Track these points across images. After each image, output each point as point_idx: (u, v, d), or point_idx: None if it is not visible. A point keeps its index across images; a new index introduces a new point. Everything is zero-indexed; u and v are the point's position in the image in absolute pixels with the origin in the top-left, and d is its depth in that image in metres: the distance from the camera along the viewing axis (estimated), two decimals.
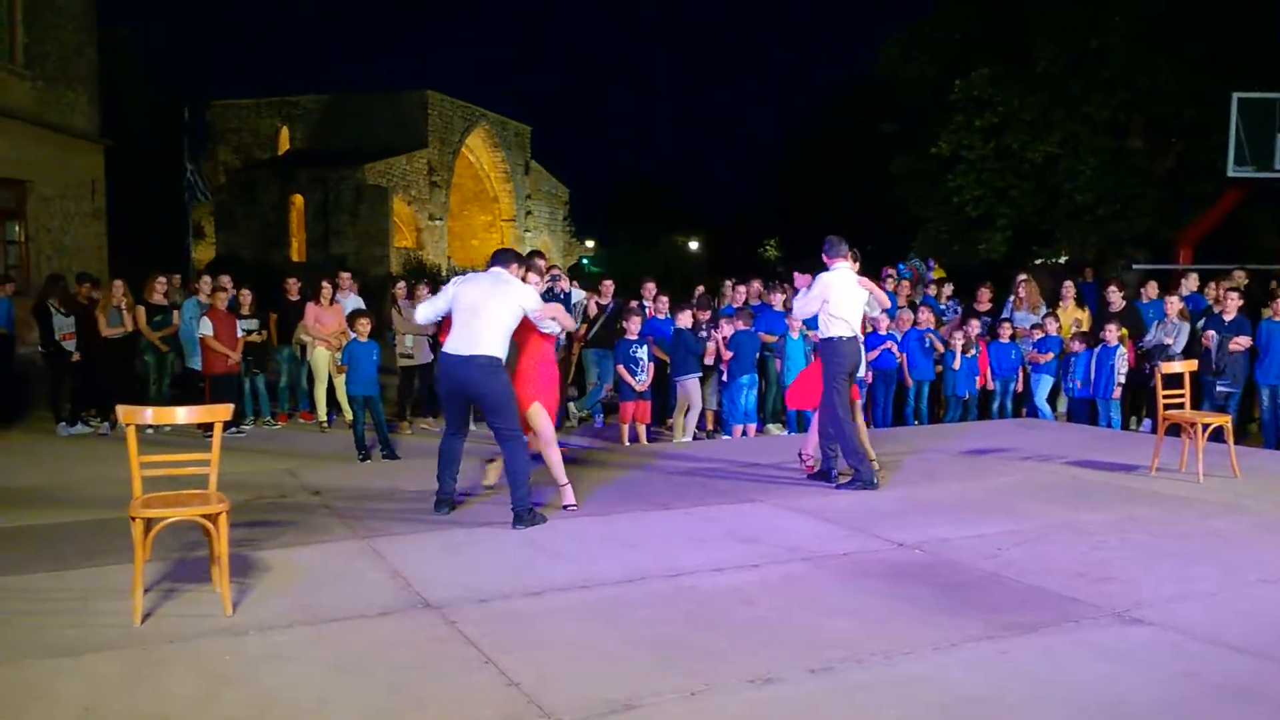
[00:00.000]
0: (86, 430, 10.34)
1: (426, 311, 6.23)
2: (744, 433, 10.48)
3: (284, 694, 3.43)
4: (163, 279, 11.05)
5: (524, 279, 6.30)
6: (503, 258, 6.27)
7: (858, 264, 7.34)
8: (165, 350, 10.83)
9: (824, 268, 7.25)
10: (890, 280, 12.93)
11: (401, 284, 12.00)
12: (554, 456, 6.37)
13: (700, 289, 12.11)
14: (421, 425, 10.96)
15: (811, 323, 9.97)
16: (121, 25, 25.13)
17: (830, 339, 7.11)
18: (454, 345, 5.96)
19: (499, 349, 5.91)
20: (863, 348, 7.64)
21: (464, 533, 5.66)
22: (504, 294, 6.01)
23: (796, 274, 7.72)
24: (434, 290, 11.62)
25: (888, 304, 7.86)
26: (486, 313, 5.91)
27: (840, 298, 7.06)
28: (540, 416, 6.34)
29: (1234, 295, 10.04)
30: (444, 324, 6.38)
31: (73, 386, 10.50)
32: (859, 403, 7.53)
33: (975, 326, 11.31)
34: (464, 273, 26.70)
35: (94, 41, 19.58)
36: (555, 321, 6.43)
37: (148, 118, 25.20)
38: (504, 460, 6.07)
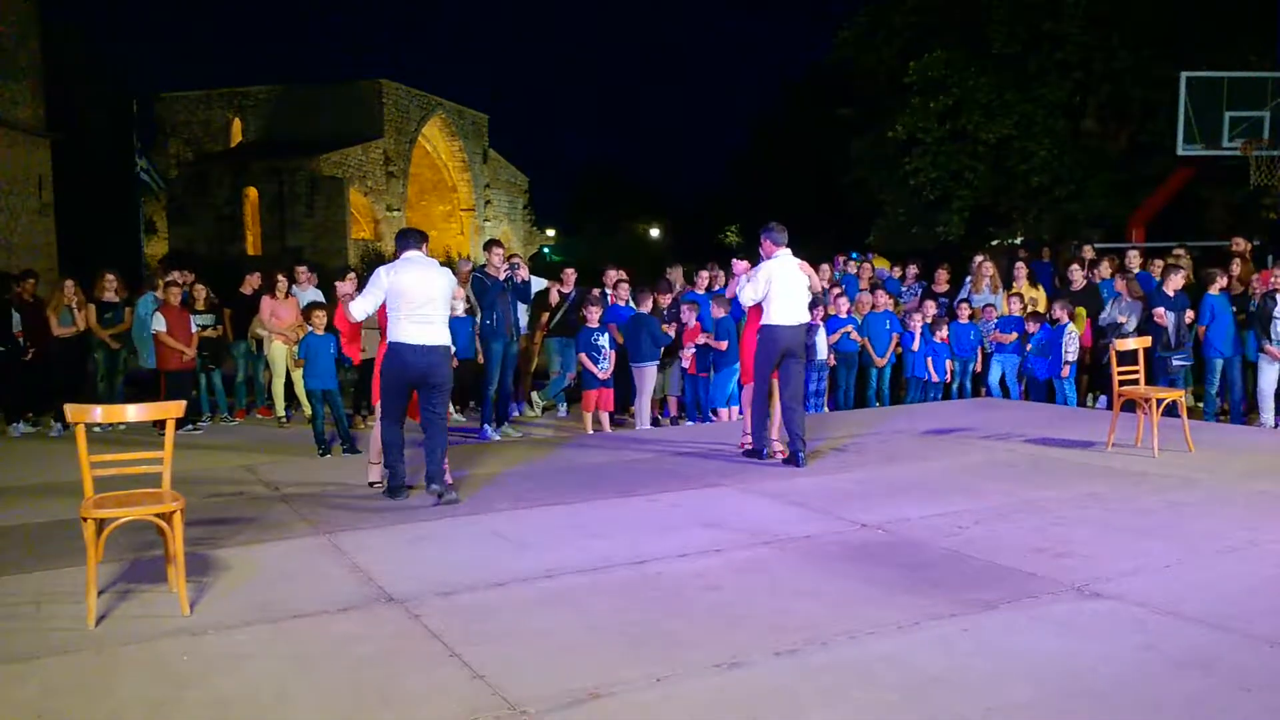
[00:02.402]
0: (32, 430, 10.13)
1: (365, 306, 6.12)
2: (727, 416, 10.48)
3: (244, 694, 3.37)
4: (112, 276, 10.83)
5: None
6: (420, 240, 6.34)
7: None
8: (117, 348, 10.64)
9: (758, 256, 7.48)
10: (852, 264, 13.01)
11: (351, 275, 11.82)
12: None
13: (674, 271, 11.85)
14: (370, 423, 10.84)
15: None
16: (66, 16, 24.63)
17: (771, 325, 7.24)
18: (415, 336, 5.96)
19: (448, 335, 6.14)
20: (817, 330, 7.74)
21: (426, 526, 5.61)
22: (444, 279, 6.14)
23: (735, 260, 7.83)
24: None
25: (819, 288, 8.19)
26: (440, 301, 6.05)
27: (782, 285, 7.22)
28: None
29: (1174, 273, 10.22)
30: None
31: (23, 385, 10.28)
32: (798, 386, 7.51)
33: (931, 308, 11.38)
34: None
35: (37, 33, 19.11)
36: (459, 302, 6.61)
37: (95, 111, 24.66)
38: (434, 439, 6.17)
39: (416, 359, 5.98)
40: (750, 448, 7.63)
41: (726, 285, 10.31)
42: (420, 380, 6.05)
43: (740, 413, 10.38)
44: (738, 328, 10.23)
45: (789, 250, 7.37)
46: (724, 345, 10.14)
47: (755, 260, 7.68)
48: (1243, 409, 10.26)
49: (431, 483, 6.11)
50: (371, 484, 6.63)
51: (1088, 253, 12.19)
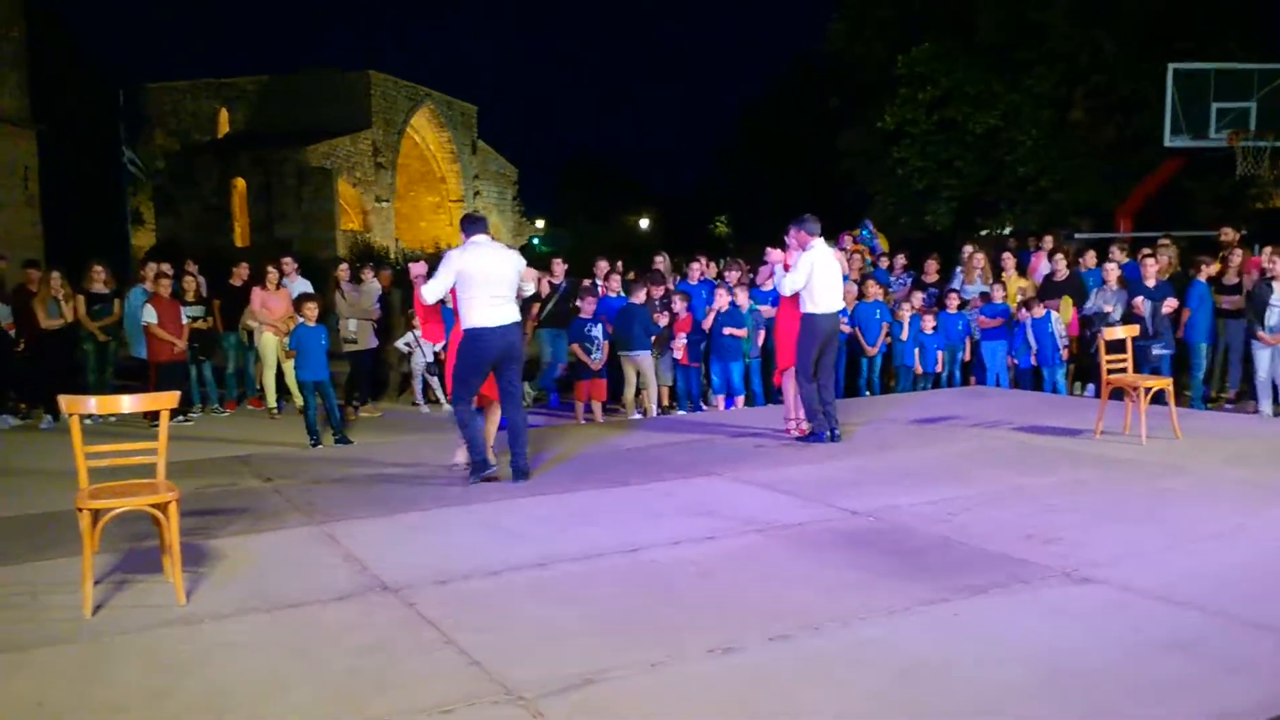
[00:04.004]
0: (21, 423, 10.10)
1: (437, 289, 6.28)
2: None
3: (241, 682, 3.39)
4: (100, 267, 10.79)
5: None
6: (483, 224, 6.51)
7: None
8: (105, 339, 10.61)
9: (783, 243, 7.77)
10: (854, 245, 13.05)
11: (344, 266, 11.82)
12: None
13: (662, 260, 11.89)
14: (364, 413, 10.86)
15: (764, 297, 10.07)
16: (50, 6, 24.39)
17: (813, 314, 7.55)
18: (491, 318, 6.14)
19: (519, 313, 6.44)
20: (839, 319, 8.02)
21: (420, 515, 5.63)
22: (512, 260, 6.34)
23: (769, 250, 8.02)
24: (376, 273, 11.55)
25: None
26: (507, 281, 6.23)
27: (823, 275, 7.53)
28: None
29: (1150, 261, 10.30)
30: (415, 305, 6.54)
31: (15, 377, 10.24)
32: (832, 369, 7.98)
33: (919, 297, 11.43)
34: (414, 255, 26.39)
35: (21, 23, 18.96)
36: (531, 283, 6.70)
37: (82, 102, 24.50)
38: (512, 420, 6.40)
39: (495, 340, 6.17)
40: (808, 433, 7.79)
41: (756, 273, 10.50)
42: (503, 357, 6.24)
43: (730, 403, 10.47)
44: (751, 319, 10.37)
45: (823, 240, 7.66)
46: (744, 333, 10.31)
47: (783, 248, 7.90)
48: (1223, 394, 10.38)
49: (517, 474, 6.37)
50: (452, 466, 6.73)
51: (1047, 243, 12.27)
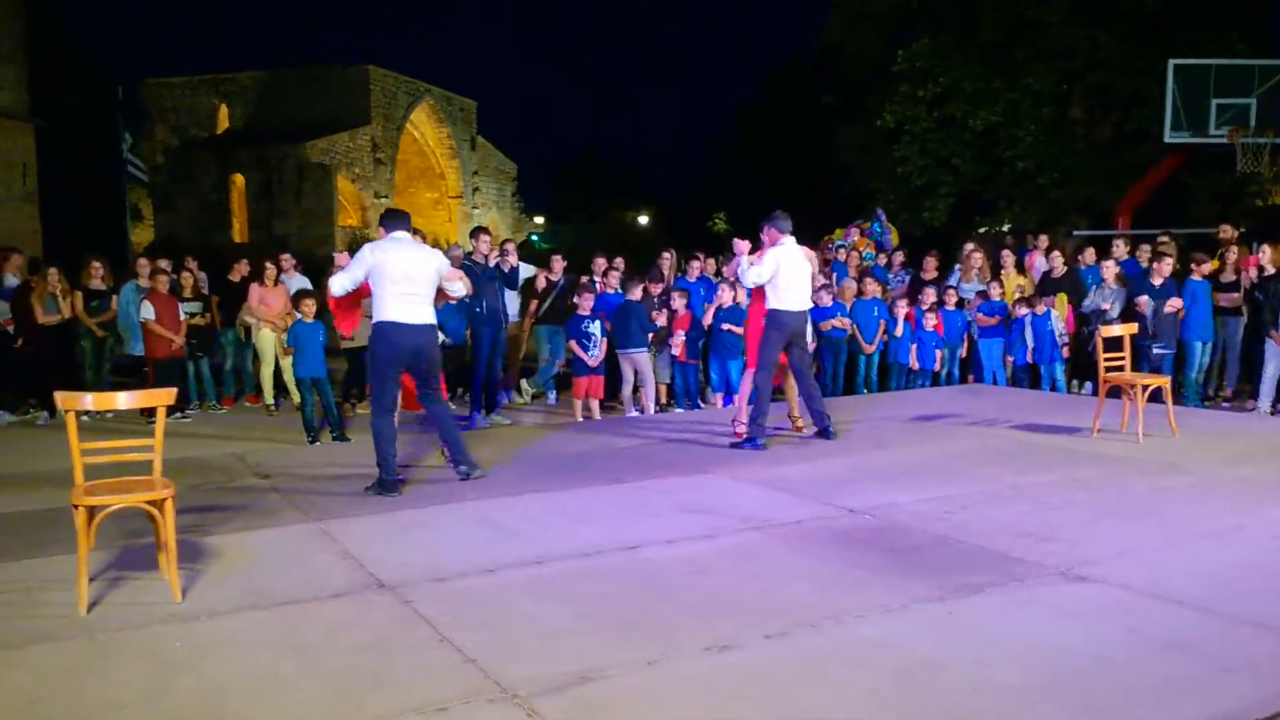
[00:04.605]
0: (18, 419, 10.08)
1: (344, 282, 6.12)
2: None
3: (237, 679, 3.39)
4: (98, 263, 10.78)
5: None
6: (405, 221, 6.37)
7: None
8: (103, 335, 10.59)
9: (758, 238, 7.68)
10: (842, 250, 13.03)
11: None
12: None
13: (667, 256, 11.77)
14: (362, 410, 10.84)
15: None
16: (49, 1, 24.35)
17: (779, 311, 7.42)
18: (402, 314, 5.99)
19: (434, 315, 6.22)
20: (809, 318, 7.89)
21: (416, 513, 5.63)
22: (432, 260, 6.19)
23: (736, 240, 7.93)
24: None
25: (819, 281, 8.80)
26: (423, 280, 6.07)
27: (789, 272, 7.40)
28: None
29: (1160, 261, 10.28)
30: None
31: (13, 373, 10.23)
32: (808, 368, 7.96)
33: (930, 294, 11.40)
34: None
35: (19, 17, 18.93)
36: (460, 284, 6.57)
37: (81, 98, 24.47)
38: (435, 412, 6.37)
39: (404, 337, 6.00)
40: (742, 437, 7.56)
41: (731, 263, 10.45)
42: (411, 360, 6.09)
43: (726, 401, 10.45)
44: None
45: (794, 238, 7.56)
46: (742, 330, 10.28)
47: (756, 242, 7.80)
48: (1221, 392, 10.37)
49: (459, 465, 6.36)
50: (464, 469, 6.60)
51: (1043, 241, 12.24)
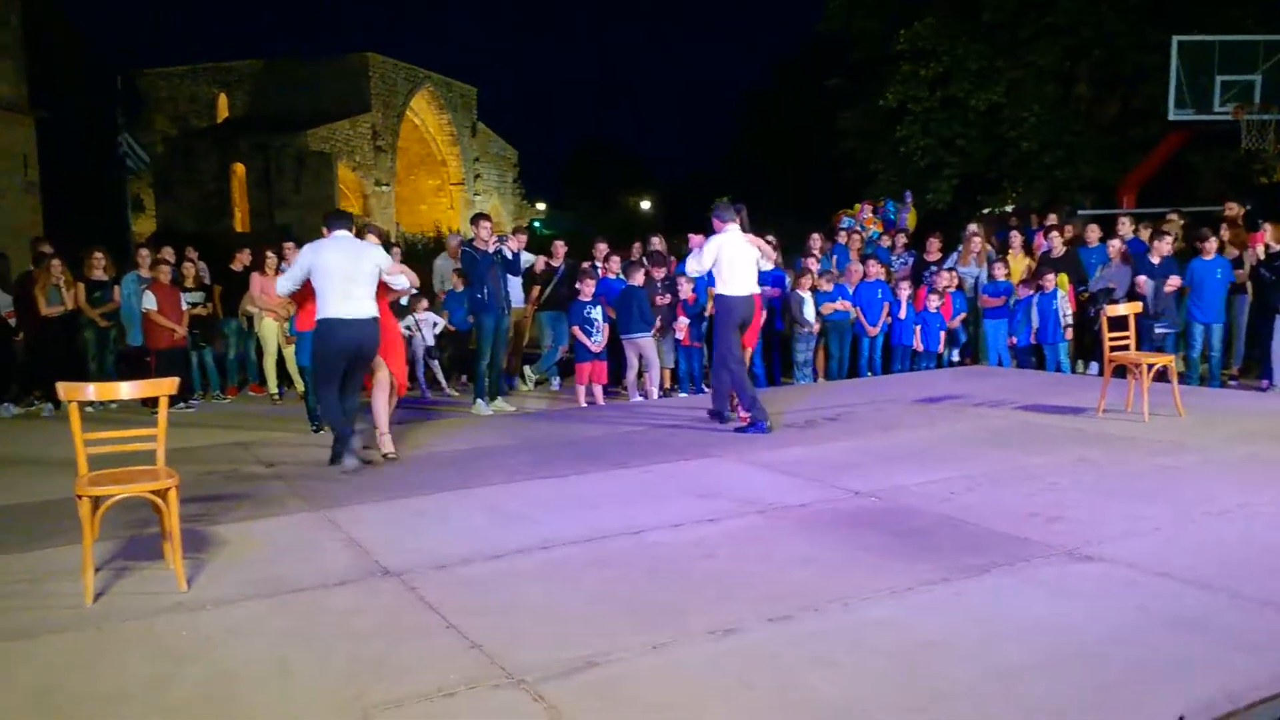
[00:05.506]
0: (22, 411, 10.09)
1: (287, 284, 6.48)
2: None
3: (244, 667, 3.39)
4: (100, 254, 10.76)
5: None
6: (345, 221, 6.59)
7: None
8: (106, 326, 10.59)
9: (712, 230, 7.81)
10: (843, 234, 12.96)
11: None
12: (385, 402, 6.82)
13: (657, 241, 11.74)
14: (364, 399, 10.83)
15: (765, 278, 10.04)
16: None
17: (725, 296, 7.65)
18: (342, 310, 6.22)
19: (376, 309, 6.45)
20: (804, 301, 7.94)
21: (421, 501, 5.62)
22: (366, 255, 6.39)
23: (691, 235, 8.11)
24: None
25: (774, 256, 8.85)
26: (361, 275, 6.30)
27: (731, 256, 7.59)
28: (383, 369, 6.79)
29: (1159, 240, 10.21)
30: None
31: (17, 365, 10.23)
32: (749, 351, 8.23)
33: (944, 279, 11.33)
34: (415, 238, 26.25)
35: (18, 10, 18.86)
36: (403, 277, 6.78)
37: (81, 88, 24.41)
38: (349, 406, 6.53)
39: (347, 332, 6.25)
40: (748, 423, 7.53)
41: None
42: (353, 351, 6.31)
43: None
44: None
45: (737, 226, 7.75)
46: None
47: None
48: (1228, 369, 10.32)
49: (345, 457, 6.38)
50: (385, 455, 6.76)
51: (1051, 220, 12.16)
